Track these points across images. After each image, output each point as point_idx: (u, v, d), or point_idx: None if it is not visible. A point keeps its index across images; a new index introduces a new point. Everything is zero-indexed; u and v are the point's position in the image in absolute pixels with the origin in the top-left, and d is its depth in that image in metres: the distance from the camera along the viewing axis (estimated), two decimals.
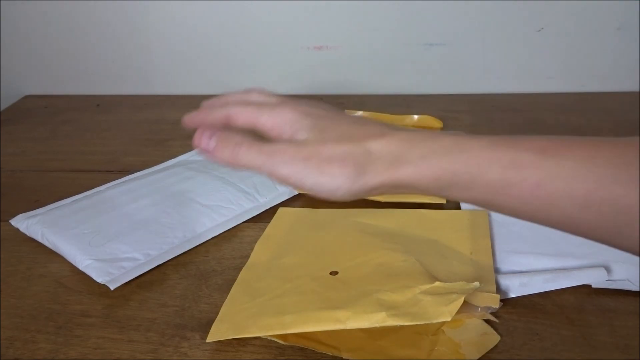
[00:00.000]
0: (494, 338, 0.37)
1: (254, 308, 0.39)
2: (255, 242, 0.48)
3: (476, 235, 0.46)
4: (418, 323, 0.34)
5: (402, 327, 0.37)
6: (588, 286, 0.41)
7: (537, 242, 0.45)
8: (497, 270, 0.43)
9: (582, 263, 0.42)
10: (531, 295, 0.41)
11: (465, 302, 0.34)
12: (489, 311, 0.39)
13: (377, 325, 0.34)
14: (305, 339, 0.38)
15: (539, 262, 0.43)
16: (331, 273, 0.41)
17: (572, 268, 0.42)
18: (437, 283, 0.36)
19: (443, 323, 0.37)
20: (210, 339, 0.38)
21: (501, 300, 0.39)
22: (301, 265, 0.43)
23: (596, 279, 0.41)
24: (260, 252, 0.46)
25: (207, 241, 0.49)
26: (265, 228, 0.49)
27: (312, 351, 0.37)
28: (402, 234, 0.46)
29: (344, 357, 0.36)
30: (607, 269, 0.40)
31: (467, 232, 0.46)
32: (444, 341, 0.37)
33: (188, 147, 0.66)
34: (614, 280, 0.41)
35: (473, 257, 0.43)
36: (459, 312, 0.34)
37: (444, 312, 0.34)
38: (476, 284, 0.35)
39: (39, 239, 0.49)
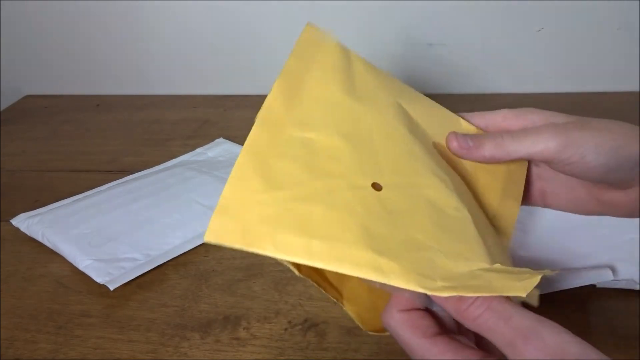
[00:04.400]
0: None
1: (271, 206, 0.28)
2: None
3: (506, 193, 0.37)
4: (483, 294, 0.27)
5: None
6: (589, 286, 0.41)
7: (540, 242, 0.45)
8: None
9: (586, 263, 0.42)
10: None
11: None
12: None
13: (429, 293, 0.28)
14: (318, 274, 0.33)
15: (540, 262, 0.43)
16: (373, 185, 0.31)
17: (577, 268, 0.41)
18: (497, 265, 0.30)
19: None
20: (209, 237, 0.25)
21: None
22: (334, 155, 0.32)
23: (602, 279, 0.40)
24: (278, 100, 0.34)
25: None
26: None
27: (312, 351, 0.37)
28: (444, 154, 0.37)
29: (344, 308, 0.33)
30: (612, 269, 0.40)
31: (499, 183, 0.37)
32: None
33: (188, 147, 0.66)
34: (619, 280, 0.41)
35: (495, 222, 0.36)
36: None
37: (517, 287, 0.27)
38: (547, 270, 0.28)
39: (40, 238, 0.49)
